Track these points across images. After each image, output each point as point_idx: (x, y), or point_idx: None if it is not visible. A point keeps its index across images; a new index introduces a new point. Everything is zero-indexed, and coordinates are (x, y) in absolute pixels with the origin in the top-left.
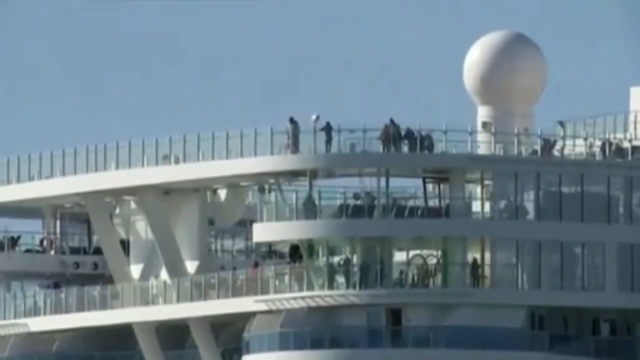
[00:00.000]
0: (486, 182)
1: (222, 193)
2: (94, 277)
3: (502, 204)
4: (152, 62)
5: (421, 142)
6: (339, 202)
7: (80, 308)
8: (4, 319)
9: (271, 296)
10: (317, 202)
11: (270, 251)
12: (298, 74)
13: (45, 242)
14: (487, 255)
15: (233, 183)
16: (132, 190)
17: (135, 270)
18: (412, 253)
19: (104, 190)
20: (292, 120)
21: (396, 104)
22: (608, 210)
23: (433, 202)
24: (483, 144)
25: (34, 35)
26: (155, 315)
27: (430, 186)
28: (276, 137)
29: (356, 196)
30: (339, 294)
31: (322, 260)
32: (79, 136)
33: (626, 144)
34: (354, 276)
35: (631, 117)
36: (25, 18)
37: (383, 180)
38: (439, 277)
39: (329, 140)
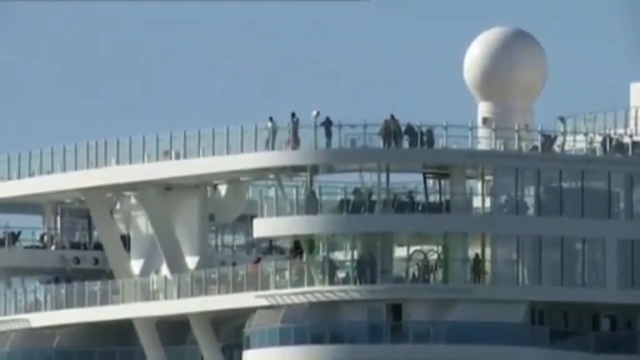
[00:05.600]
0: (487, 177)
1: (223, 189)
2: (94, 272)
3: (503, 199)
4: (152, 57)
5: (421, 137)
6: (339, 197)
7: (81, 303)
8: (5, 314)
9: (272, 291)
10: (317, 197)
11: (270, 246)
12: (298, 70)
13: (45, 238)
14: (488, 250)
15: (233, 179)
16: (133, 186)
17: (136, 265)
18: (412, 248)
19: (105, 185)
20: (293, 116)
21: (397, 99)
22: (608, 206)
23: (434, 198)
24: (483, 140)
25: (34, 33)
26: (156, 310)
27: (430, 182)
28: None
29: (356, 191)
30: (340, 290)
31: (322, 255)
32: (80, 132)
33: (627, 140)
34: (354, 271)
35: (632, 113)
36: (25, 15)
37: (383, 175)
38: (439, 273)
39: (328, 136)
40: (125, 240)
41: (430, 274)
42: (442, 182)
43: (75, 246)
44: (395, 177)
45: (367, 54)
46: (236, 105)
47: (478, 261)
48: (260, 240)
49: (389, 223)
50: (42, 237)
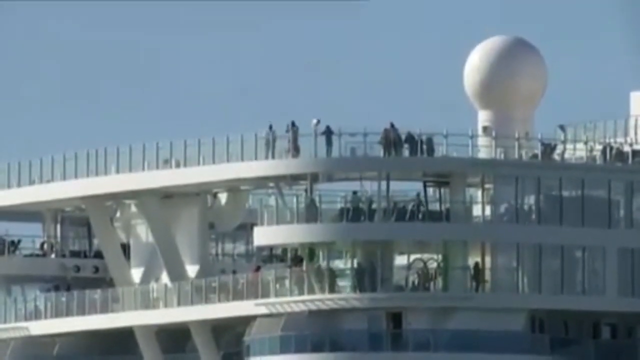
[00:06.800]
0: (487, 186)
1: (223, 197)
2: (94, 280)
3: (503, 207)
4: (152, 66)
5: (422, 146)
6: (339, 205)
7: (81, 312)
8: (5, 322)
9: (272, 300)
10: (317, 205)
11: (271, 255)
12: (299, 78)
13: (45, 246)
14: (488, 259)
15: (233, 187)
16: (133, 194)
17: (136, 273)
18: (412, 257)
19: (105, 194)
20: (293, 124)
21: (397, 108)
22: (609, 215)
23: (434, 206)
24: (484, 148)
25: (35, 40)
26: (156, 318)
27: (430, 190)
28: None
29: (354, 195)
30: (340, 298)
31: (322, 263)
32: (80, 140)
33: (627, 148)
34: (354, 280)
35: (631, 122)
36: (26, 23)
37: (384, 184)
38: (439, 281)
39: (328, 144)
40: (126, 249)
41: (430, 282)
42: (442, 190)
43: (75, 254)
44: (395, 186)
45: (367, 62)
46: (236, 113)
47: (478, 269)
48: (261, 248)
49: (389, 231)
50: (42, 245)
